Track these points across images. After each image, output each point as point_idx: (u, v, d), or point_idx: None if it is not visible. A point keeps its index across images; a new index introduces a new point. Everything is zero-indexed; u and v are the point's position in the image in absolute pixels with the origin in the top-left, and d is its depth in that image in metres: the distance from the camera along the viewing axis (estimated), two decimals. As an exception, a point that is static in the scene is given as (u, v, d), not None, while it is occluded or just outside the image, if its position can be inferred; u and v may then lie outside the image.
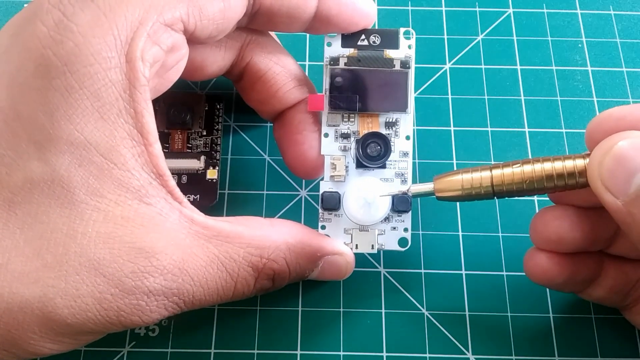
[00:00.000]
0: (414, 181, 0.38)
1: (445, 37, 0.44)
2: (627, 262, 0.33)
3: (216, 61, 0.34)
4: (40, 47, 0.26)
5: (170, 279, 0.27)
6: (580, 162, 0.29)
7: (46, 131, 0.26)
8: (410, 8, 0.45)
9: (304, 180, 0.40)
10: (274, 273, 0.31)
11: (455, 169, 0.39)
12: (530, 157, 0.40)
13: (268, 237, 0.31)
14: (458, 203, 0.39)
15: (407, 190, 0.32)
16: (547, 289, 0.36)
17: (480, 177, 0.30)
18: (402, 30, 0.34)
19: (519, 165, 0.30)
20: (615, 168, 0.27)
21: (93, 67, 0.26)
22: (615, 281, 0.33)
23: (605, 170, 0.27)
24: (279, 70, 0.35)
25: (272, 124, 0.38)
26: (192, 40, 0.30)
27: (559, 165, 0.29)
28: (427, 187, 0.32)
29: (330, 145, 0.34)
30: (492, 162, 0.31)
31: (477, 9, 0.45)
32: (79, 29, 0.26)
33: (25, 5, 0.43)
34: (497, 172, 0.30)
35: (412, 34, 0.34)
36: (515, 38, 0.44)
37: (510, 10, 0.45)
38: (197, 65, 0.34)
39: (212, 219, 0.30)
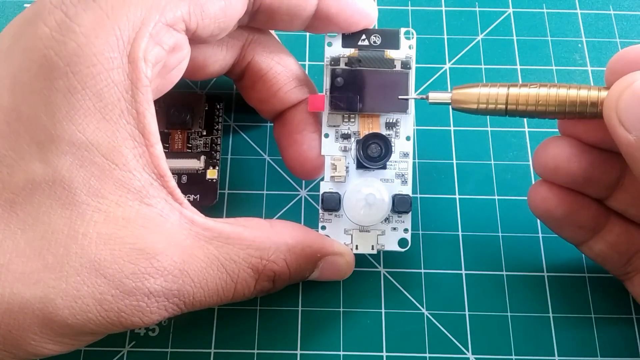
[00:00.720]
0: (414, 183, 0.39)
1: (445, 37, 0.44)
2: (634, 224, 0.33)
3: (218, 60, 0.34)
4: (42, 47, 0.26)
5: (171, 280, 0.27)
6: (594, 93, 0.29)
7: (48, 132, 0.26)
8: (410, 8, 0.45)
9: (304, 180, 0.39)
10: (274, 274, 0.31)
11: (455, 169, 0.39)
12: (530, 157, 0.40)
13: (268, 238, 0.31)
14: (458, 203, 0.39)
15: (426, 96, 0.32)
16: (547, 289, 0.36)
17: (497, 93, 0.31)
18: (402, 30, 0.34)
19: (535, 87, 0.30)
20: (633, 103, 0.27)
21: (95, 68, 0.26)
22: (618, 238, 0.33)
23: (623, 104, 0.27)
24: (280, 70, 0.35)
25: (272, 124, 0.38)
26: (194, 39, 0.30)
27: (573, 93, 0.29)
28: (445, 96, 0.32)
29: (330, 145, 0.34)
30: (516, 82, 0.31)
31: (477, 9, 0.45)
32: (81, 30, 0.26)
33: (25, 5, 0.43)
34: (513, 91, 0.30)
35: (413, 34, 0.34)
36: (515, 38, 0.44)
37: (510, 10, 0.45)
38: (199, 64, 0.34)
39: (212, 220, 0.30)
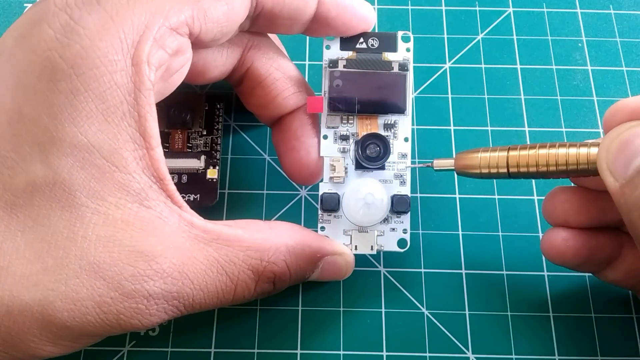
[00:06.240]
0: (413, 184, 0.39)
1: (445, 36, 0.44)
2: None
3: (218, 66, 0.34)
4: (46, 49, 0.26)
5: (170, 282, 0.28)
6: (594, 150, 0.29)
7: (49, 133, 0.26)
8: (410, 7, 0.45)
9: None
10: (274, 276, 0.31)
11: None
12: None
13: (268, 239, 0.31)
14: (458, 203, 0.39)
15: (432, 163, 0.33)
16: (547, 289, 0.37)
17: (497, 156, 0.31)
18: (400, 33, 0.34)
19: (535, 148, 0.30)
20: (619, 152, 0.27)
21: (99, 70, 0.26)
22: (631, 266, 0.33)
23: (611, 155, 0.28)
24: (279, 76, 0.35)
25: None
26: (196, 43, 0.30)
27: (573, 152, 0.30)
28: (448, 162, 0.33)
29: (329, 147, 0.34)
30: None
31: (477, 8, 0.45)
32: (85, 32, 0.26)
33: (26, 5, 0.43)
34: (512, 154, 0.31)
35: (410, 38, 0.34)
36: (515, 37, 0.44)
37: (510, 10, 0.45)
38: (199, 69, 0.34)
39: (211, 222, 0.30)
